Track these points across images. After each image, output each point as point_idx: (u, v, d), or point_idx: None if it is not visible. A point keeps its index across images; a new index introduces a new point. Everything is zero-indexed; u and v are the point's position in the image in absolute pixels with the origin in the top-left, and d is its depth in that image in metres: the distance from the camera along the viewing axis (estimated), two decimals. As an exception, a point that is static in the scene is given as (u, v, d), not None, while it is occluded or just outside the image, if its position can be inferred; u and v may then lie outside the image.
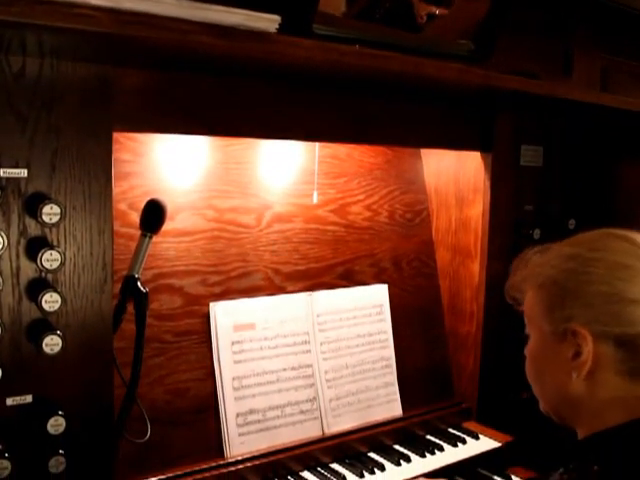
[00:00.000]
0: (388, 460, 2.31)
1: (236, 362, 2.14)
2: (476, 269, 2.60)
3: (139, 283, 1.78)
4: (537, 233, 2.65)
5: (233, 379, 2.13)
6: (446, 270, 2.73)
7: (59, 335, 1.60)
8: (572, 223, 2.79)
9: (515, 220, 2.65)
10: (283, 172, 2.36)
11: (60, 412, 1.61)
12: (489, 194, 2.56)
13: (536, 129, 2.72)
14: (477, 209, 2.60)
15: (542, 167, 2.73)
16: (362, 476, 2.19)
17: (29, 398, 1.64)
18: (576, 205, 2.83)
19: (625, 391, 1.22)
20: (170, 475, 1.98)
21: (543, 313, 1.33)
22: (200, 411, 2.08)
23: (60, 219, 1.60)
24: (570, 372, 1.27)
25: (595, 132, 2.91)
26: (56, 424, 1.61)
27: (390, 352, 2.52)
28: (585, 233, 1.41)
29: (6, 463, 1.54)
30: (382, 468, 2.25)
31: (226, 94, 1.92)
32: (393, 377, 2.51)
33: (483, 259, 2.58)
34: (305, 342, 2.30)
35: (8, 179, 1.56)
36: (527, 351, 1.41)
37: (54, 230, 1.62)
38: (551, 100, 2.39)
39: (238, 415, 2.12)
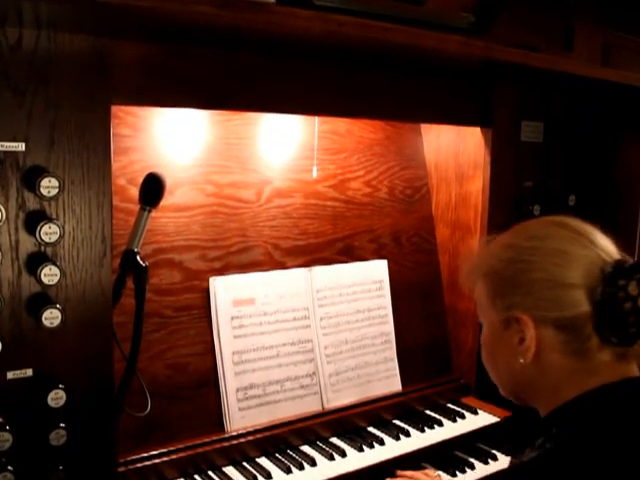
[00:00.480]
0: (387, 435, 2.32)
1: (236, 337, 2.14)
2: (476, 245, 2.59)
3: (138, 257, 1.77)
4: (537, 209, 2.65)
5: (233, 354, 2.13)
6: (446, 246, 2.73)
7: (59, 309, 1.60)
8: (572, 199, 2.79)
9: (515, 196, 2.64)
10: (283, 148, 2.35)
11: (60, 385, 1.62)
12: (489, 170, 2.55)
13: (537, 105, 2.70)
14: (477, 185, 2.60)
15: (542, 143, 2.71)
16: (362, 450, 2.21)
17: (29, 372, 1.64)
18: (576, 181, 2.83)
19: (573, 369, 1.26)
20: (171, 449, 1.99)
21: (488, 302, 1.36)
22: (200, 386, 2.09)
23: (59, 192, 1.59)
24: (517, 356, 1.31)
25: (596, 108, 2.90)
26: (56, 397, 1.61)
27: (390, 328, 2.52)
28: (525, 222, 1.43)
29: (7, 435, 1.55)
30: (381, 442, 2.26)
31: (225, 67, 1.91)
32: (392, 352, 2.51)
33: (483, 235, 2.58)
34: (305, 317, 2.30)
35: (6, 153, 1.55)
36: (481, 339, 1.45)
37: (53, 203, 1.61)
38: (552, 74, 2.37)
39: (238, 390, 2.13)
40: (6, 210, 1.55)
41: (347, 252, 2.49)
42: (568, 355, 1.26)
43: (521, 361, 1.30)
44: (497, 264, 1.35)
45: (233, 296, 2.16)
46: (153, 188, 1.77)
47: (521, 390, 1.38)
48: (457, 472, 2.23)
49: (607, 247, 1.30)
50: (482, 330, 1.45)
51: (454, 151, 2.68)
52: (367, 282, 2.48)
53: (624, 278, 1.22)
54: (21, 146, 1.57)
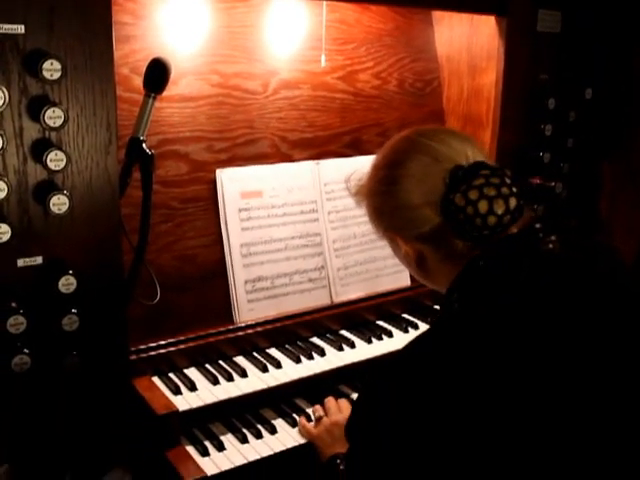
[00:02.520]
0: (396, 327, 2.34)
1: (244, 229, 2.14)
2: (488, 139, 2.54)
3: (144, 145, 1.74)
4: (552, 103, 2.58)
5: (241, 246, 2.13)
6: (456, 141, 2.68)
7: (66, 195, 1.59)
8: (589, 93, 2.70)
9: (530, 89, 2.57)
10: (289, 37, 2.27)
11: (70, 272, 1.62)
12: (503, 61, 2.47)
13: (554, -8, 2.59)
14: (490, 77, 2.52)
15: (560, 33, 2.60)
16: (370, 342, 2.24)
17: (39, 259, 1.64)
18: (594, 74, 2.73)
19: (450, 269, 1.35)
20: (181, 338, 2.02)
21: (373, 225, 1.51)
22: (209, 277, 2.10)
23: (61, 76, 1.55)
24: (409, 262, 1.47)
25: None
26: (67, 283, 1.62)
27: (398, 223, 2.50)
28: (388, 143, 1.48)
29: (21, 319, 1.57)
30: (390, 334, 2.29)
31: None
32: (401, 247, 2.51)
33: (495, 129, 2.52)
34: (313, 211, 2.29)
35: (5, 35, 1.50)
36: None
37: (55, 88, 1.57)
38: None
39: (246, 282, 2.14)
40: (8, 95, 1.51)
41: (355, 146, 2.45)
42: (442, 260, 1.38)
43: (412, 265, 1.46)
44: (368, 194, 1.48)
45: (240, 188, 2.14)
46: (157, 73, 1.72)
47: (428, 282, 1.51)
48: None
49: (462, 152, 1.36)
50: None
51: (467, 42, 2.59)
52: (376, 177, 2.45)
53: (464, 183, 1.30)
54: (20, 28, 1.52)
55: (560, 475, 1.15)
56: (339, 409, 1.91)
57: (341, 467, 1.66)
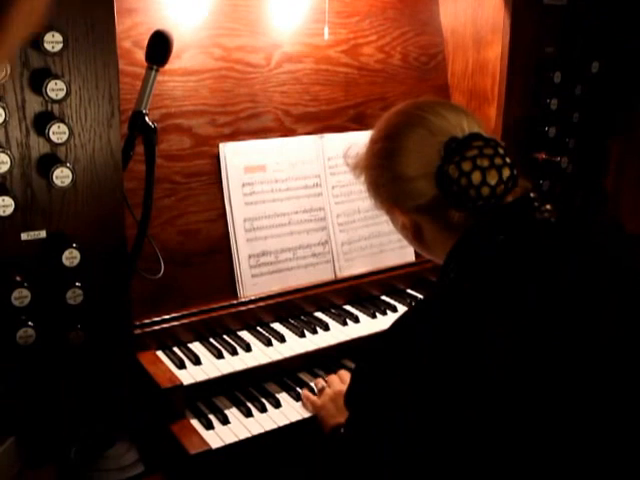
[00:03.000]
0: (401, 303, 2.34)
1: (247, 204, 2.13)
2: (493, 113, 2.53)
3: (147, 118, 1.73)
4: (558, 76, 2.55)
5: (244, 220, 2.12)
6: (461, 116, 2.66)
7: (69, 168, 1.59)
8: (595, 66, 2.67)
9: (535, 63, 2.54)
10: (292, 10, 2.25)
11: (74, 245, 1.62)
12: (509, 34, 2.44)
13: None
14: (495, 51, 2.49)
15: (566, 5, 2.57)
16: (374, 317, 2.24)
17: (43, 233, 1.65)
18: (601, 47, 2.70)
19: (450, 237, 1.36)
20: (185, 312, 2.02)
21: (371, 198, 1.51)
22: (212, 252, 2.10)
23: (63, 49, 1.54)
24: (406, 233, 1.48)
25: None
26: (71, 257, 1.62)
27: (402, 198, 2.49)
28: (385, 116, 1.50)
29: (26, 292, 1.57)
30: (394, 310, 2.29)
31: None
32: (405, 223, 2.50)
33: (500, 103, 2.50)
34: (316, 185, 2.28)
35: (5, 6, 1.49)
36: None
37: (57, 60, 1.57)
38: None
39: (250, 257, 2.14)
40: (10, 68, 1.50)
41: (359, 120, 2.43)
42: (439, 231, 1.40)
43: (409, 236, 1.48)
44: (366, 167, 1.49)
45: (244, 162, 2.13)
46: (160, 45, 1.71)
47: (427, 253, 1.52)
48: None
49: (457, 125, 1.37)
50: None
51: (472, 15, 2.56)
52: (380, 151, 2.43)
53: (457, 155, 1.31)
54: None
55: (560, 447, 1.16)
56: (341, 380, 1.92)
57: None
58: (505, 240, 1.28)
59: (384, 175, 1.42)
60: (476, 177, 1.29)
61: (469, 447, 1.16)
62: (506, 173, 1.31)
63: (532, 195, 1.36)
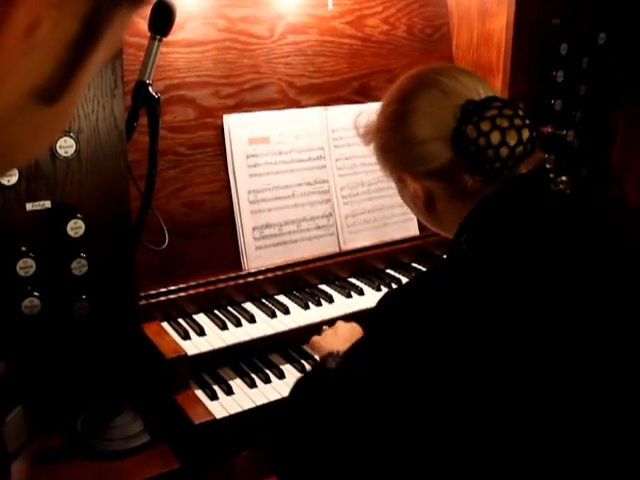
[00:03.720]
0: (405, 276, 2.34)
1: (251, 175, 2.13)
2: (498, 86, 2.50)
3: (150, 88, 1.72)
4: (564, 48, 2.52)
5: (249, 192, 2.12)
6: (466, 89, 2.64)
7: (72, 137, 1.59)
8: (602, 38, 2.65)
9: (541, 34, 2.52)
10: (296, -20, 2.24)
11: (79, 215, 1.63)
12: (514, 5, 2.41)
13: None
14: (501, 22, 2.47)
15: (572, -24, 2.55)
16: (379, 289, 2.24)
17: (47, 204, 1.65)
18: (608, 18, 2.67)
19: (460, 207, 1.32)
20: (190, 284, 2.03)
21: (381, 164, 1.47)
22: (217, 224, 2.10)
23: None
24: (415, 202, 1.43)
25: None
26: (75, 227, 1.63)
27: (407, 171, 2.49)
28: (399, 80, 1.45)
29: (30, 262, 1.58)
30: (399, 283, 2.29)
31: None
32: (409, 196, 2.49)
33: (506, 76, 2.48)
34: (320, 157, 2.27)
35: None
36: None
37: (59, 29, 1.56)
38: None
39: (254, 229, 2.14)
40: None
41: (364, 92, 2.42)
42: (452, 199, 1.35)
43: (419, 205, 1.42)
44: (377, 131, 1.44)
45: (248, 134, 2.13)
46: (162, 14, 1.69)
47: (436, 225, 1.48)
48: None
49: (473, 89, 1.33)
50: None
51: (477, -15, 2.54)
52: (384, 124, 2.42)
53: (476, 115, 1.27)
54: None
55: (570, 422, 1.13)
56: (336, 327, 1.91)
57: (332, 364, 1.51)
58: (520, 213, 1.25)
59: (395, 139, 1.38)
60: (495, 137, 1.25)
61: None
62: (526, 134, 1.27)
63: (548, 166, 1.33)
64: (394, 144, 1.39)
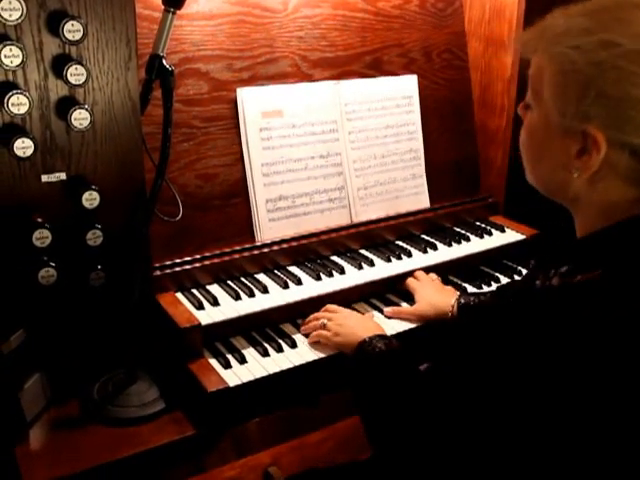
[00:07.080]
0: (415, 248, 2.36)
1: (264, 148, 2.15)
2: (509, 61, 2.50)
3: (164, 61, 1.74)
4: (577, 20, 2.51)
5: (262, 165, 2.14)
6: (478, 62, 2.64)
7: (87, 109, 1.61)
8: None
9: (552, 8, 2.49)
10: (309, -47, 2.23)
11: (94, 187, 1.66)
12: (527, -21, 2.40)
13: None
14: (513, -5, 2.46)
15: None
16: (389, 261, 2.26)
17: (63, 176, 1.67)
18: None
19: (629, 196, 1.14)
20: (205, 255, 2.06)
21: (554, 99, 1.16)
22: (230, 196, 2.12)
23: (79, -10, 1.55)
24: (570, 169, 1.17)
25: None
26: (90, 198, 1.65)
27: (419, 144, 2.50)
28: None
29: (46, 233, 1.61)
30: (409, 254, 2.31)
31: None
32: (421, 169, 2.51)
33: (517, 50, 2.47)
34: (333, 131, 2.29)
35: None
36: (527, 124, 1.27)
37: (74, 1, 1.57)
38: None
39: (268, 201, 2.16)
40: (26, 8, 1.51)
41: (376, 66, 2.42)
42: (632, 184, 1.13)
43: (575, 175, 1.16)
44: (582, 62, 1.12)
45: (261, 107, 2.14)
46: (176, -13, 1.71)
47: (562, 198, 1.25)
48: (483, 285, 2.27)
49: None
50: (529, 112, 1.27)
51: (491, -42, 2.52)
52: (396, 97, 2.43)
53: None
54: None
55: None
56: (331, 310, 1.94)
57: (378, 346, 1.60)
58: None
59: (616, 88, 1.07)
60: None
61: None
62: None
63: None
64: (614, 95, 1.09)
